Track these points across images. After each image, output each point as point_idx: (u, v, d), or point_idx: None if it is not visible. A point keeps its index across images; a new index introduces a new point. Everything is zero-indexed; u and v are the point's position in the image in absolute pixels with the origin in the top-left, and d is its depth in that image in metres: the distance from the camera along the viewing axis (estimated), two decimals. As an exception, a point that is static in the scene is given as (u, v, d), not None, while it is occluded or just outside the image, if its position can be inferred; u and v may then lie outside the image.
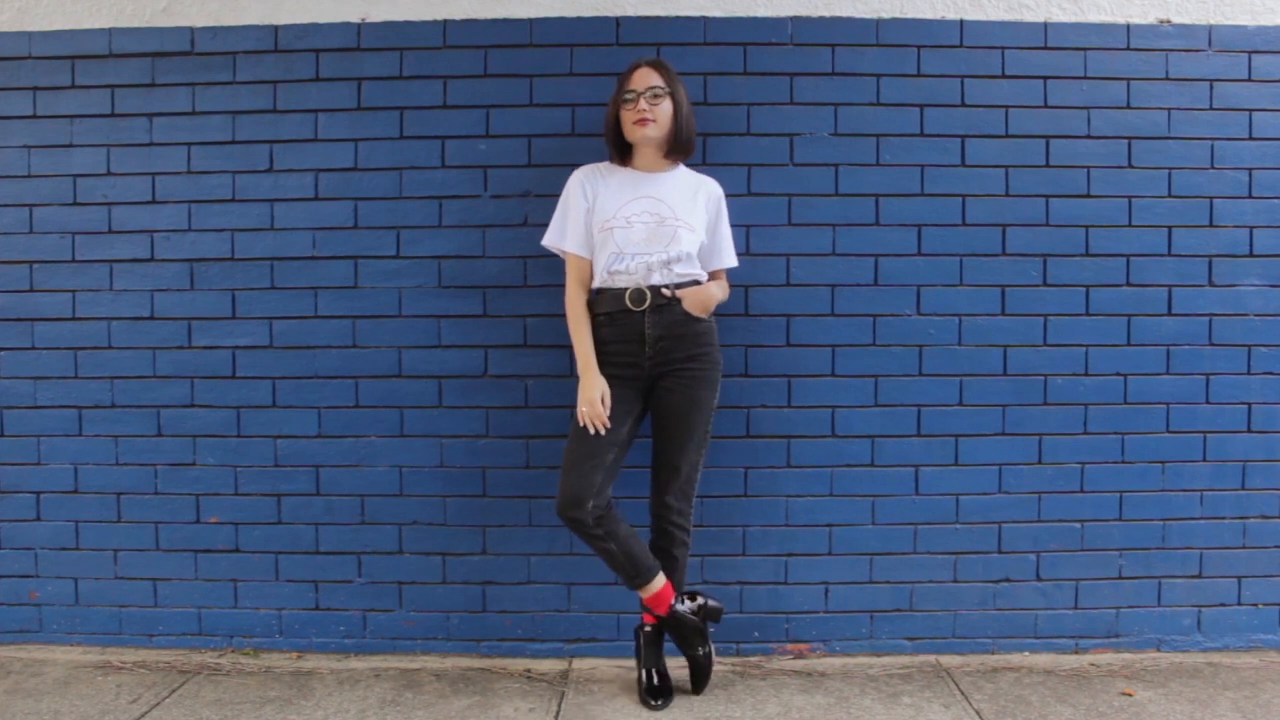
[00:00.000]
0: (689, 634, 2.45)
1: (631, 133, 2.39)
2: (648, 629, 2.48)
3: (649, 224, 2.38)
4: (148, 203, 2.73)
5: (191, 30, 2.71)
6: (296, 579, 2.75)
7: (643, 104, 2.36)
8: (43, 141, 2.73)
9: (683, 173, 2.49)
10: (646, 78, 2.38)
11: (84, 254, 2.74)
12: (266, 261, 2.73)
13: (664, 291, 2.37)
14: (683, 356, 2.40)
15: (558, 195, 2.49)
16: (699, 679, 2.48)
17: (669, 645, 2.51)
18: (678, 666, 2.52)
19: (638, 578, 2.38)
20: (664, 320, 2.38)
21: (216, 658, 2.73)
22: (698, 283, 2.43)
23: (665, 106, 2.38)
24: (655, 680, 2.45)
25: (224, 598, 2.76)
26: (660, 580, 2.41)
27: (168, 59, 2.71)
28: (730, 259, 2.54)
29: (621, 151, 2.46)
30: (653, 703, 2.40)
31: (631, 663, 2.56)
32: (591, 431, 2.32)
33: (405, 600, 2.74)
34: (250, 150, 2.72)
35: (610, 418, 2.34)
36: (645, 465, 2.49)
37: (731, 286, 2.60)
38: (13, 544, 2.78)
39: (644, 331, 2.37)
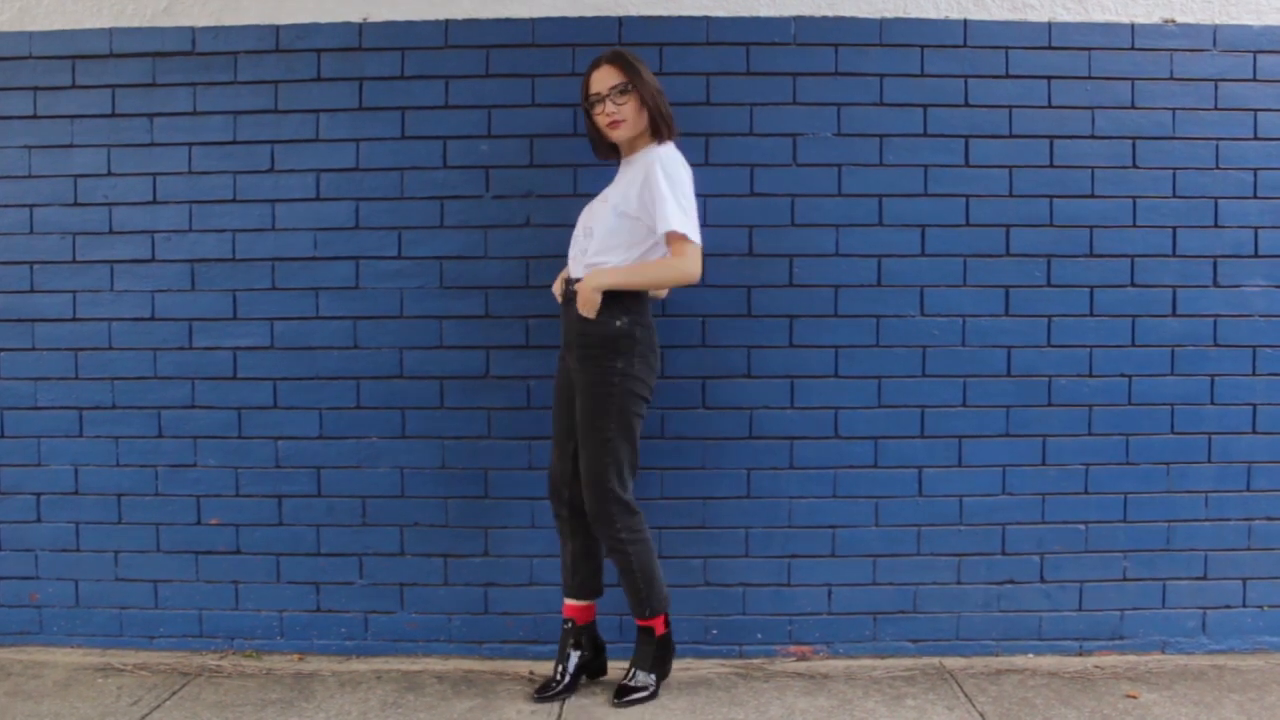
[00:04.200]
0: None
1: (609, 135, 2.36)
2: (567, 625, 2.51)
3: (590, 208, 2.42)
4: (148, 203, 2.73)
5: (192, 30, 2.70)
6: (298, 580, 2.74)
7: (609, 106, 2.30)
8: (43, 142, 2.72)
9: (642, 156, 2.35)
10: (606, 77, 2.31)
11: (85, 254, 2.74)
12: (268, 262, 2.72)
13: (572, 285, 2.37)
14: (576, 357, 2.36)
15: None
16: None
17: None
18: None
19: (568, 585, 2.49)
20: (567, 316, 2.38)
21: (217, 659, 2.72)
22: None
23: (632, 103, 2.31)
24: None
25: (225, 599, 2.75)
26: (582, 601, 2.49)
27: (169, 59, 2.70)
28: (666, 220, 2.23)
29: (609, 150, 2.44)
30: (537, 695, 2.45)
31: (658, 673, 2.52)
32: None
33: (407, 602, 2.74)
34: (251, 150, 2.71)
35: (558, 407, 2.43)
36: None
37: (699, 262, 2.34)
38: (13, 546, 2.77)
39: (564, 324, 2.41)
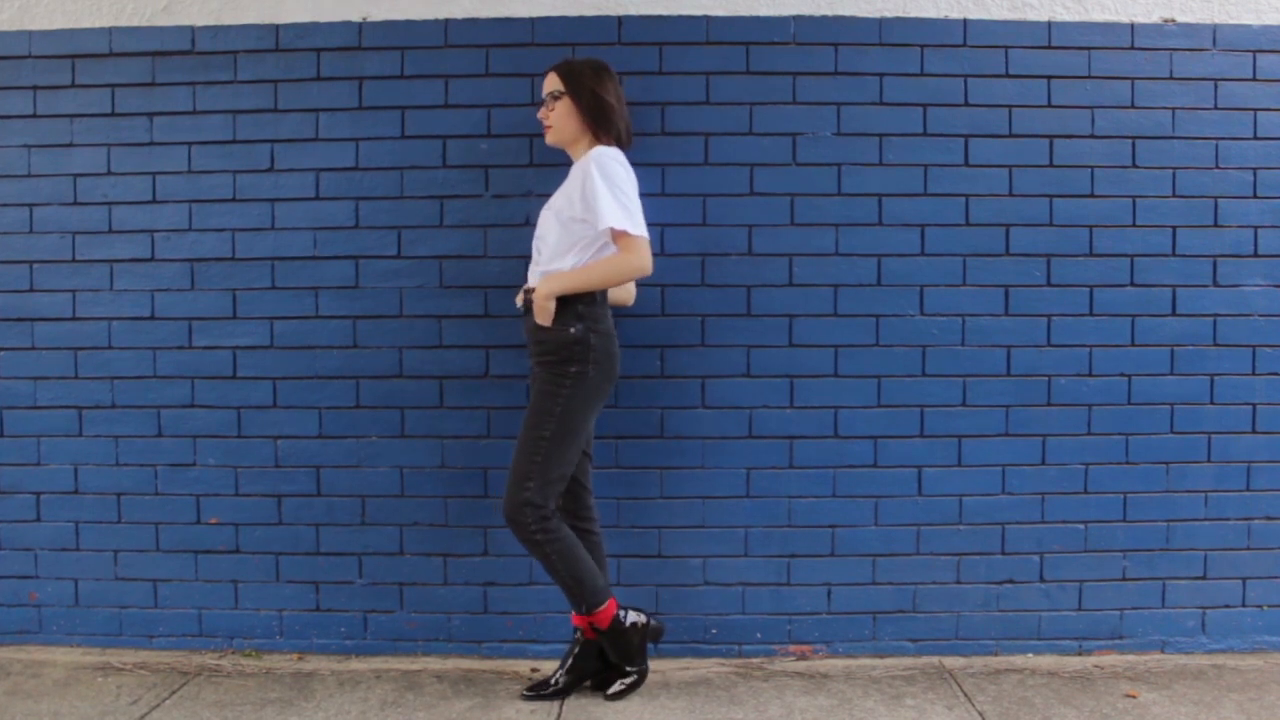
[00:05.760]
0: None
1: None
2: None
3: (541, 215, 2.43)
4: (148, 202, 2.73)
5: (192, 29, 2.70)
6: (297, 580, 2.74)
7: (541, 112, 2.41)
8: (43, 141, 2.72)
9: (586, 154, 2.35)
10: (546, 84, 2.41)
11: (84, 254, 2.74)
12: (267, 261, 2.72)
13: (528, 293, 2.39)
14: (535, 360, 2.39)
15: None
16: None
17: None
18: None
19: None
20: (527, 324, 2.40)
21: (217, 659, 2.72)
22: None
23: (560, 108, 2.38)
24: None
25: (224, 599, 2.75)
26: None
27: (168, 58, 2.70)
28: (604, 217, 2.24)
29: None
30: (527, 693, 2.45)
31: (631, 665, 2.53)
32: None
33: (406, 601, 2.74)
34: (251, 150, 2.71)
35: None
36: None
37: (653, 256, 2.35)
38: (13, 545, 2.77)
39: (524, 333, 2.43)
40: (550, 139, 2.43)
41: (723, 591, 2.71)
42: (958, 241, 2.69)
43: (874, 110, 2.68)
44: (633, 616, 2.42)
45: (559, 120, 2.39)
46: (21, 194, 2.73)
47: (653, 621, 2.46)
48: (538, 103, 2.66)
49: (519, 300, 2.47)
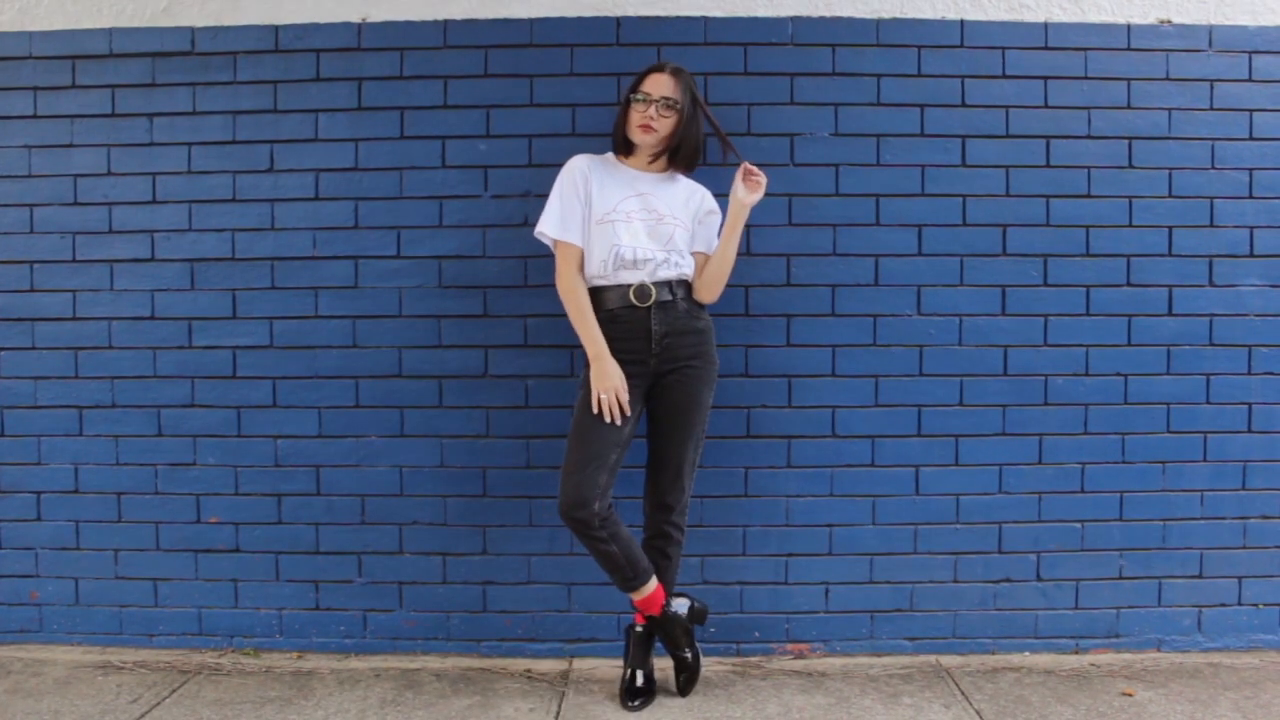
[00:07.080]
0: (679, 635, 2.45)
1: (633, 133, 2.39)
2: (639, 629, 2.48)
3: (648, 221, 2.38)
4: (148, 203, 2.73)
5: (192, 30, 2.71)
6: (297, 579, 2.75)
7: (651, 111, 2.35)
8: (43, 141, 2.73)
9: (680, 180, 2.49)
10: (662, 85, 2.36)
11: (84, 254, 2.74)
12: (267, 261, 2.73)
13: (667, 289, 2.38)
14: (686, 355, 2.40)
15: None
16: (687, 681, 2.48)
17: (658, 647, 2.50)
18: (666, 667, 2.52)
19: (634, 579, 2.36)
20: (668, 317, 2.38)
21: (217, 657, 2.73)
22: (687, 282, 2.43)
23: (672, 120, 2.37)
24: (639, 681, 2.45)
25: (224, 598, 2.76)
26: (654, 582, 2.40)
27: (168, 59, 2.71)
28: (710, 249, 2.48)
29: (625, 146, 2.46)
30: (630, 703, 2.40)
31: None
32: (608, 419, 2.30)
33: (405, 600, 2.75)
34: (251, 150, 2.72)
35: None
36: (640, 465, 2.48)
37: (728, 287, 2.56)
38: (13, 544, 2.78)
39: (650, 328, 2.37)
40: (653, 140, 2.38)
41: (721, 590, 2.72)
42: (955, 241, 2.70)
43: (871, 111, 2.69)
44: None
45: (668, 129, 2.37)
46: (22, 194, 2.74)
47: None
48: (536, 103, 2.68)
49: (648, 290, 2.36)
